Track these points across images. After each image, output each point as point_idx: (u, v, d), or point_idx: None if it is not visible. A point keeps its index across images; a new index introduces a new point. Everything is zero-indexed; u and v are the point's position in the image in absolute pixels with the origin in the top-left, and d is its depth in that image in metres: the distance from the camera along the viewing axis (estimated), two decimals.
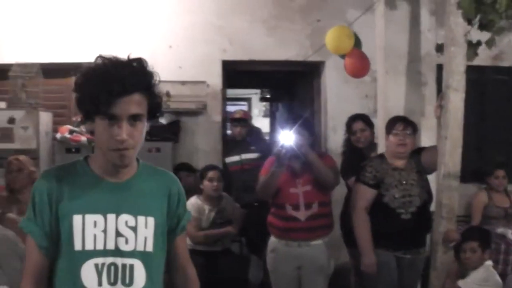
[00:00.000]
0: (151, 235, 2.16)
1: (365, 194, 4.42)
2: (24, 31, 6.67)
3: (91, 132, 2.16)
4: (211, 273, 5.26)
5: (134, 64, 2.09)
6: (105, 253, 2.08)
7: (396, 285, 4.44)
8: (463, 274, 4.01)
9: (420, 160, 4.47)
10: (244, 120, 6.61)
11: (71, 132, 6.12)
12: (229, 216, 5.60)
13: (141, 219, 2.14)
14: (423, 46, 4.98)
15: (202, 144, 6.83)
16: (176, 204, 2.29)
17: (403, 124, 4.43)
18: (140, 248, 2.12)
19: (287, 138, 4.29)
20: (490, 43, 4.40)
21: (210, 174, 5.54)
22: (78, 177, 2.12)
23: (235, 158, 6.47)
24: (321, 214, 4.46)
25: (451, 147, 4.14)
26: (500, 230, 5.93)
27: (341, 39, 5.29)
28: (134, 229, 2.12)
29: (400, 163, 4.44)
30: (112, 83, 1.98)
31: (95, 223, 2.07)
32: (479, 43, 4.38)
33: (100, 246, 2.07)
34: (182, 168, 6.36)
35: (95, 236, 2.07)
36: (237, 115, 6.65)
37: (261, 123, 11.69)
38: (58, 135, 6.17)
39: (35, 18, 6.68)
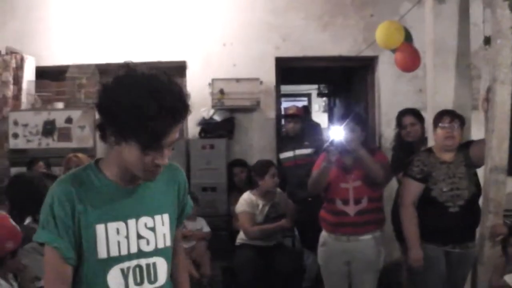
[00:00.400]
0: (168, 230, 2.20)
1: (413, 188, 4.41)
2: (79, 33, 6.94)
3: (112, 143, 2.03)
4: (266, 267, 5.34)
5: (177, 86, 2.01)
6: (129, 257, 2.10)
7: (445, 280, 4.43)
8: (510, 269, 3.96)
9: (469, 154, 4.43)
10: (298, 116, 6.65)
11: None
12: (282, 211, 5.65)
13: (158, 218, 2.18)
14: (474, 40, 4.91)
15: (256, 141, 6.92)
16: (183, 194, 2.33)
17: (450, 117, 4.40)
18: (160, 245, 2.17)
19: (338, 133, 4.34)
20: None
21: (272, 170, 5.61)
22: (94, 185, 2.08)
23: (289, 154, 6.52)
24: (370, 209, 4.51)
25: (498, 140, 4.08)
26: None
27: (390, 33, 5.29)
28: (153, 229, 2.15)
29: (448, 156, 4.42)
30: (175, 114, 1.94)
31: (117, 231, 2.08)
32: None
33: (124, 252, 2.09)
34: (236, 164, 6.46)
35: (119, 243, 2.08)
36: (290, 111, 6.70)
37: (321, 118, 11.75)
38: None
39: (90, 21, 6.94)
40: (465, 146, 4.49)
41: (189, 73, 6.95)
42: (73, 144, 6.16)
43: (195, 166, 6.32)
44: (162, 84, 1.95)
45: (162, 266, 2.19)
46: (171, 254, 2.25)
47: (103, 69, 6.59)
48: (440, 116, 4.47)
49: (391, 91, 6.76)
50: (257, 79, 6.69)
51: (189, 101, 2.01)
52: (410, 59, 5.30)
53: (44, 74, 6.94)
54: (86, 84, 6.48)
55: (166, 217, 2.21)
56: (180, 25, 6.88)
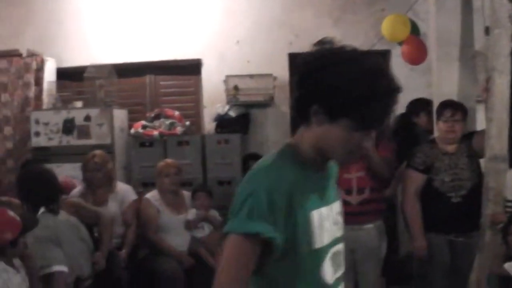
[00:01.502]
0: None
1: (415, 179, 4.49)
2: (97, 35, 7.12)
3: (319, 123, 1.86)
4: None
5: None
6: (333, 243, 1.98)
7: (449, 268, 4.49)
8: (510, 257, 4.00)
9: (471, 144, 4.49)
10: None
11: (144, 127, 6.44)
12: None
13: (338, 203, 2.09)
14: (477, 31, 4.95)
15: (271, 135, 7.00)
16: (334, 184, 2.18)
17: (451, 110, 4.46)
18: (343, 231, 2.10)
19: None
20: None
21: None
22: (296, 171, 1.89)
23: None
24: (373, 199, 4.57)
25: (497, 129, 4.12)
26: None
27: (396, 26, 5.36)
28: (340, 214, 2.09)
29: (450, 148, 4.48)
30: (395, 96, 1.86)
31: (327, 216, 1.95)
32: None
33: (331, 238, 1.96)
34: (251, 158, 6.56)
35: (328, 229, 1.94)
36: None
37: None
38: (132, 131, 6.51)
39: (106, 23, 7.11)
40: (468, 137, 4.55)
41: (204, 70, 7.07)
42: (92, 141, 6.30)
43: (210, 161, 6.43)
44: (381, 64, 1.86)
45: (343, 252, 2.09)
46: None
47: (120, 69, 6.77)
48: (442, 108, 4.53)
49: (404, 85, 6.74)
50: (270, 75, 6.77)
51: None
52: (417, 52, 5.37)
53: (64, 75, 7.13)
54: (104, 84, 6.64)
55: (339, 204, 2.12)
56: (194, 24, 7.01)
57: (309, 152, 1.93)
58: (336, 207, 2.05)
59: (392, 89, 1.82)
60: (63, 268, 3.89)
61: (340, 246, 2.05)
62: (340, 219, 2.07)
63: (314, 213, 1.89)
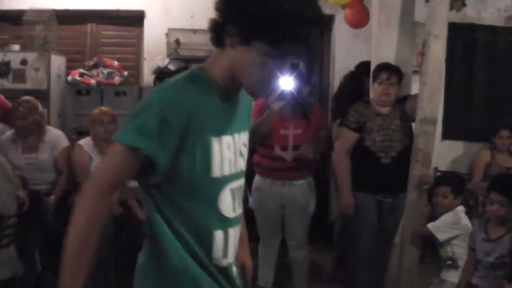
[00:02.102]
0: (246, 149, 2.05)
1: (347, 137, 4.56)
2: None
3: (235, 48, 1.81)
4: None
5: None
6: (235, 176, 1.95)
7: (376, 228, 4.59)
8: (434, 218, 4.11)
9: (405, 108, 4.57)
10: None
11: (81, 75, 6.34)
12: None
13: (244, 135, 2.03)
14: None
15: None
16: (248, 115, 2.14)
17: (387, 73, 4.53)
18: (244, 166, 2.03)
19: (286, 83, 4.39)
20: None
21: None
22: (203, 92, 1.83)
23: None
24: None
25: (430, 93, 4.21)
26: None
27: None
28: (246, 146, 2.03)
29: (384, 109, 4.56)
30: (318, 26, 1.80)
31: (228, 146, 1.89)
32: None
33: (232, 170, 1.92)
34: None
35: (229, 159, 1.90)
36: None
37: None
38: (70, 78, 6.39)
39: None
40: (402, 100, 4.63)
41: (146, 22, 6.97)
42: (27, 86, 6.14)
43: None
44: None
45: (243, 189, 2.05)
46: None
47: (61, 15, 6.60)
48: (379, 71, 4.60)
49: (346, 50, 6.85)
50: None
51: None
52: (359, 16, 5.38)
53: (2, 17, 6.94)
54: (43, 29, 6.47)
55: (247, 135, 2.07)
56: None
57: (219, 77, 1.87)
58: (242, 138, 2.00)
59: (307, 15, 1.74)
60: None
61: (242, 181, 2.01)
62: (245, 151, 2.02)
63: (214, 140, 1.84)
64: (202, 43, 6.65)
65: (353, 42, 6.76)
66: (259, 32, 1.74)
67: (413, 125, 4.51)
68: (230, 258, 1.97)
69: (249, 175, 4.73)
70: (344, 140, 4.57)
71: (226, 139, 1.89)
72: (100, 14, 6.99)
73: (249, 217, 4.73)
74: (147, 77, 6.85)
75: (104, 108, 5.42)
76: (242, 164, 1.99)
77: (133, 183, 5.25)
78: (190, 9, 6.86)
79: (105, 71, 6.43)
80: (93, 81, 6.32)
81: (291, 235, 4.77)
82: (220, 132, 1.86)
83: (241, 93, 1.96)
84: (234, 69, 1.84)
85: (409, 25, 4.92)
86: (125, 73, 6.61)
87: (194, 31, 6.68)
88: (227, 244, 1.93)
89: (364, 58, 6.16)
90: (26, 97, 5.31)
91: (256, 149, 4.72)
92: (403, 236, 4.35)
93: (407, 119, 4.55)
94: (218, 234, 1.90)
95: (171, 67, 6.61)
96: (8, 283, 4.01)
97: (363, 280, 4.63)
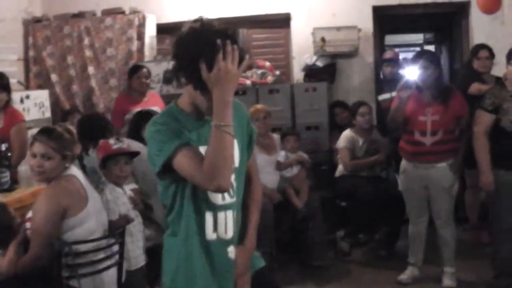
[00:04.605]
0: (237, 153, 2.53)
1: (484, 119, 4.72)
2: None
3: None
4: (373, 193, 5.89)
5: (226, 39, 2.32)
6: None
7: None
8: None
9: None
10: (394, 60, 7.09)
11: None
12: (378, 146, 6.21)
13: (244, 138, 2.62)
14: None
15: (356, 83, 7.47)
16: (247, 122, 2.67)
17: None
18: (235, 164, 2.51)
19: (412, 73, 4.82)
20: None
21: (361, 109, 6.15)
22: (180, 118, 2.43)
23: (386, 96, 6.90)
24: (445, 140, 4.92)
25: None
26: None
27: None
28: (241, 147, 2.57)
29: None
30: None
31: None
32: None
33: None
34: (337, 105, 7.02)
35: None
36: (387, 56, 7.18)
37: None
38: None
39: None
40: None
41: (293, 24, 7.54)
42: None
43: (299, 107, 6.92)
44: (212, 38, 2.26)
45: (234, 184, 2.54)
46: (239, 174, 2.58)
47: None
48: None
49: (485, 35, 6.93)
50: (355, 27, 7.16)
51: (246, 56, 2.39)
52: (491, 2, 5.50)
53: (163, 30, 7.64)
54: None
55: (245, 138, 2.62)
56: None
57: (187, 106, 2.46)
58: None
59: (196, 55, 2.26)
60: None
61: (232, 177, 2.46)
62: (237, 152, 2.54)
63: (200, 148, 2.39)
64: (346, 39, 7.15)
65: (491, 25, 6.90)
66: (182, 75, 2.36)
67: None
68: (221, 234, 2.52)
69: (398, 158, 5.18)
70: (481, 122, 4.73)
71: (202, 149, 2.38)
72: (250, 19, 7.60)
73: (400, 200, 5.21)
74: (297, 75, 7.45)
75: (258, 106, 5.96)
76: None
77: (291, 172, 5.75)
78: (332, 8, 7.38)
79: (259, 72, 7.01)
80: (248, 82, 6.91)
81: (438, 214, 5.08)
82: (196, 142, 2.41)
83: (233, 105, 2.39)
84: (191, 100, 2.44)
85: None
86: (277, 72, 7.16)
87: (338, 28, 7.16)
88: (216, 224, 2.50)
89: (501, 40, 6.34)
90: None
91: (400, 137, 5.16)
92: None
93: None
94: (208, 216, 2.49)
95: (319, 63, 7.11)
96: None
97: (508, 254, 4.74)
